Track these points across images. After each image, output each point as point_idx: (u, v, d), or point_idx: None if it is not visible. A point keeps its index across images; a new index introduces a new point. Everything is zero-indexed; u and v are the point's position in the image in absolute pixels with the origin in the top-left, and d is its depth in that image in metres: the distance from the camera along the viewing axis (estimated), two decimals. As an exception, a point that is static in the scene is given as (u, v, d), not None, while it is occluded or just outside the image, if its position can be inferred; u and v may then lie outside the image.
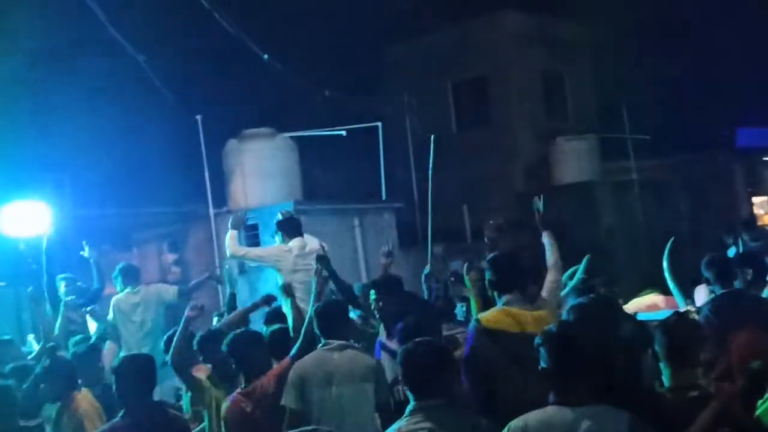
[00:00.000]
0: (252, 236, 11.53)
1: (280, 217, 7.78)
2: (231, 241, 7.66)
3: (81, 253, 8.47)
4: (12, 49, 10.86)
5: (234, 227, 7.72)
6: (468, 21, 18.07)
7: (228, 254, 7.77)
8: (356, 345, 5.32)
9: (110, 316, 8.54)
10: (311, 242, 7.55)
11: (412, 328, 4.91)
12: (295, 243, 7.51)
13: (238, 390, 5.27)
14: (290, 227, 7.65)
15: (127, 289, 8.63)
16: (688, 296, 6.24)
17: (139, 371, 4.85)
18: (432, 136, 9.25)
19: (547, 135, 17.56)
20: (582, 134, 17.29)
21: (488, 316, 4.74)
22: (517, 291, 4.80)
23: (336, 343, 5.14)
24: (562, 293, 6.47)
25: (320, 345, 5.24)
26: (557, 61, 18.90)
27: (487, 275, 4.92)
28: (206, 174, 11.45)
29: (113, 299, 8.63)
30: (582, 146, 17.10)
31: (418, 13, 16.52)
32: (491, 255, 5.11)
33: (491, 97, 18.51)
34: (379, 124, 12.63)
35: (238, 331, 5.54)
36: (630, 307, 7.17)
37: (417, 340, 4.23)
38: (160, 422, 4.81)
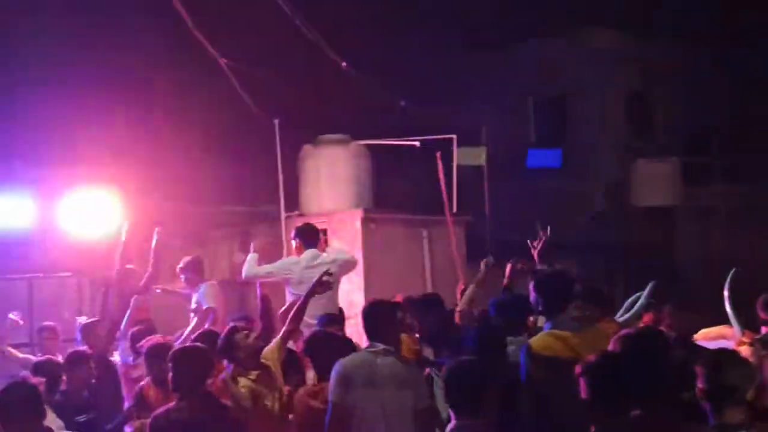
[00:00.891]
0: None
1: (300, 224, 7.90)
2: (249, 263, 7.74)
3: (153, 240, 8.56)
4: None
5: (256, 251, 7.78)
6: (552, 36, 17.87)
7: (243, 276, 7.81)
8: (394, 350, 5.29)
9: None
10: (333, 252, 7.65)
11: (485, 340, 4.89)
12: (306, 254, 7.58)
13: (306, 388, 5.40)
14: (308, 236, 7.76)
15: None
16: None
17: (193, 361, 5.10)
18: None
19: (628, 156, 17.23)
20: (665, 157, 16.90)
21: (539, 342, 4.64)
22: (565, 312, 4.71)
23: (381, 347, 5.13)
24: (623, 318, 6.36)
25: (365, 347, 5.26)
26: (643, 80, 18.53)
27: (532, 298, 4.84)
28: (280, 177, 11.59)
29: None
30: (664, 169, 16.72)
31: (500, 25, 16.41)
32: (536, 277, 5.00)
33: (573, 115, 18.27)
34: (454, 136, 12.55)
35: (316, 330, 5.67)
36: (698, 336, 7.01)
37: (462, 358, 4.20)
38: (212, 410, 5.05)
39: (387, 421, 4.95)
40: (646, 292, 6.93)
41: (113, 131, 12.01)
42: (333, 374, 5.08)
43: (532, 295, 4.88)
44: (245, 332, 5.93)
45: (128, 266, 8.48)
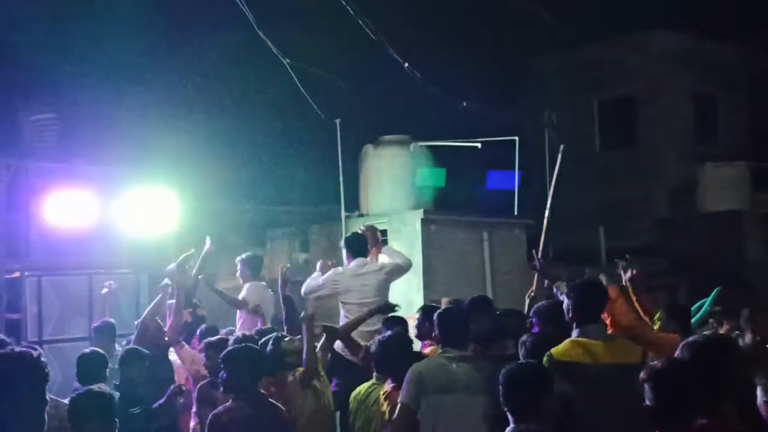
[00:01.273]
0: (381, 242, 11.60)
1: (349, 234, 7.93)
2: (308, 282, 7.80)
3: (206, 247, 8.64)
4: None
5: (321, 270, 7.81)
6: (619, 38, 17.61)
7: (302, 293, 7.93)
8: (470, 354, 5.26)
9: None
10: (385, 255, 7.67)
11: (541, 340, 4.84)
12: (353, 263, 7.67)
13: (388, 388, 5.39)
14: (354, 246, 7.80)
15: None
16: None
17: (247, 361, 5.19)
18: (561, 146, 8.95)
19: (695, 159, 16.87)
20: (732, 161, 16.50)
21: (560, 349, 4.59)
22: (595, 322, 4.67)
23: (455, 353, 5.12)
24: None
25: (440, 352, 5.25)
26: (711, 83, 18.14)
27: (564, 305, 4.79)
28: (341, 177, 11.63)
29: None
30: (732, 173, 16.30)
31: (566, 26, 16.20)
32: (570, 285, 4.93)
33: (639, 117, 17.97)
34: (516, 138, 12.43)
35: (391, 333, 5.67)
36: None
37: (522, 362, 4.15)
38: (268, 410, 5.15)
39: (460, 426, 4.94)
40: (710, 299, 6.81)
41: (175, 131, 12.19)
42: (407, 377, 5.07)
43: (565, 302, 4.83)
44: (289, 338, 6.05)
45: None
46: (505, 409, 3.90)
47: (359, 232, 8.06)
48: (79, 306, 9.21)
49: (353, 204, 12.19)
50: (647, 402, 3.41)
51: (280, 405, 5.35)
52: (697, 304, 6.62)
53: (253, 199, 12.37)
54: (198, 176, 10.96)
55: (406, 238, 11.31)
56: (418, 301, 10.63)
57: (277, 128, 13.12)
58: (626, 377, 4.06)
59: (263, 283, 8.95)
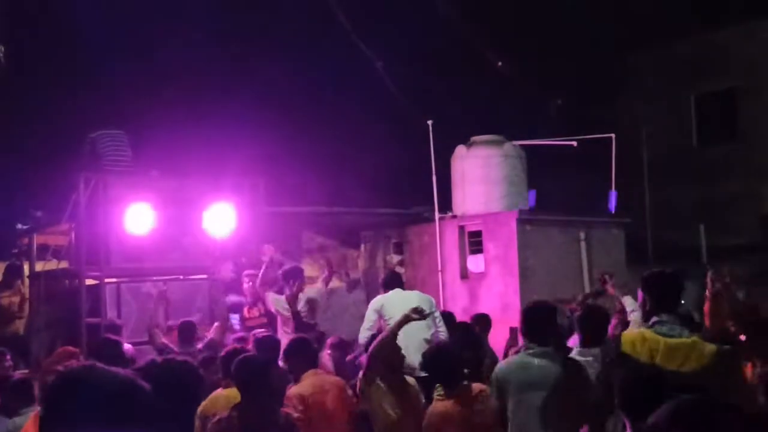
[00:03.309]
0: (475, 243, 11.54)
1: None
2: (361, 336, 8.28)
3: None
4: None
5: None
6: (718, 29, 17.03)
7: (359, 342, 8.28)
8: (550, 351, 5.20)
9: None
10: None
11: None
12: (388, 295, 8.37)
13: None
14: (390, 283, 8.58)
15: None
16: None
17: (254, 372, 5.02)
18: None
19: (801, 153, 16.21)
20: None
21: (628, 335, 4.56)
22: (671, 313, 4.52)
23: (537, 348, 5.09)
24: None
25: (523, 349, 5.25)
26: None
27: (639, 297, 4.70)
28: (434, 178, 11.59)
29: None
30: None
31: (662, 18, 15.77)
32: (644, 276, 4.76)
33: (741, 110, 17.32)
34: (613, 135, 12.15)
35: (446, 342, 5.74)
36: None
37: (640, 365, 4.12)
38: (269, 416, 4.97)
39: (544, 422, 4.93)
40: None
41: (259, 136, 12.41)
42: (492, 376, 5.13)
43: (640, 294, 4.76)
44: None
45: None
46: (621, 410, 3.88)
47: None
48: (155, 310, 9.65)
49: (446, 205, 12.13)
50: None
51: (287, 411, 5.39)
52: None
53: (347, 201, 12.44)
54: (285, 181, 11.14)
55: (501, 239, 11.19)
56: (515, 302, 10.52)
57: (370, 129, 13.14)
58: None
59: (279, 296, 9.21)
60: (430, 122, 11.55)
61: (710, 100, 17.91)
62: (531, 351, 5.08)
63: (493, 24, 12.18)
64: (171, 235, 9.43)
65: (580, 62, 15.42)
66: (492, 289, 11.17)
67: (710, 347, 4.41)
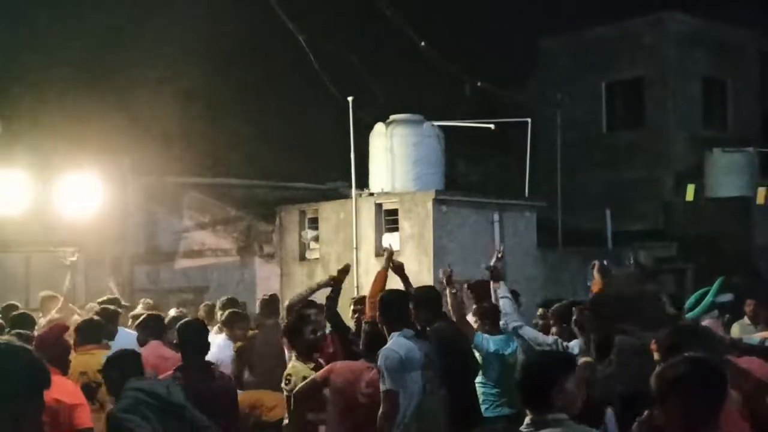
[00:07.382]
0: (391, 221, 11.61)
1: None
2: None
3: None
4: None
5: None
6: (629, 19, 17.48)
7: None
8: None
9: None
10: None
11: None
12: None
13: None
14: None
15: None
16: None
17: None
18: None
19: (703, 143, 16.82)
20: (741, 146, 16.46)
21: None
22: None
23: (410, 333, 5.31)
24: (691, 314, 6.16)
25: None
26: (721, 66, 18.04)
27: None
28: (352, 155, 11.59)
29: None
30: (740, 159, 16.28)
31: (576, 6, 16.08)
32: None
33: (647, 99, 17.86)
34: (529, 120, 12.38)
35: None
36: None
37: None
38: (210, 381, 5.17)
39: None
40: (714, 288, 6.69)
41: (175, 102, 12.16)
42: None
43: None
44: None
45: None
46: None
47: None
48: (15, 284, 9.68)
49: (363, 182, 12.16)
50: None
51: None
52: (700, 292, 6.52)
53: (263, 176, 12.32)
54: (203, 152, 10.96)
55: (416, 218, 11.30)
56: (428, 280, 10.63)
57: (290, 104, 13.01)
58: None
59: None
60: (350, 99, 11.53)
61: (619, 87, 18.41)
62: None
63: (416, 4, 12.19)
64: (34, 210, 9.42)
65: (500, 44, 15.62)
66: (406, 267, 11.23)
67: None
